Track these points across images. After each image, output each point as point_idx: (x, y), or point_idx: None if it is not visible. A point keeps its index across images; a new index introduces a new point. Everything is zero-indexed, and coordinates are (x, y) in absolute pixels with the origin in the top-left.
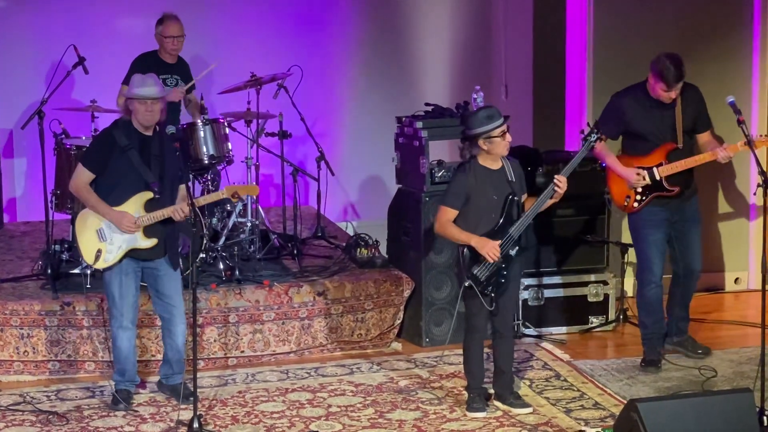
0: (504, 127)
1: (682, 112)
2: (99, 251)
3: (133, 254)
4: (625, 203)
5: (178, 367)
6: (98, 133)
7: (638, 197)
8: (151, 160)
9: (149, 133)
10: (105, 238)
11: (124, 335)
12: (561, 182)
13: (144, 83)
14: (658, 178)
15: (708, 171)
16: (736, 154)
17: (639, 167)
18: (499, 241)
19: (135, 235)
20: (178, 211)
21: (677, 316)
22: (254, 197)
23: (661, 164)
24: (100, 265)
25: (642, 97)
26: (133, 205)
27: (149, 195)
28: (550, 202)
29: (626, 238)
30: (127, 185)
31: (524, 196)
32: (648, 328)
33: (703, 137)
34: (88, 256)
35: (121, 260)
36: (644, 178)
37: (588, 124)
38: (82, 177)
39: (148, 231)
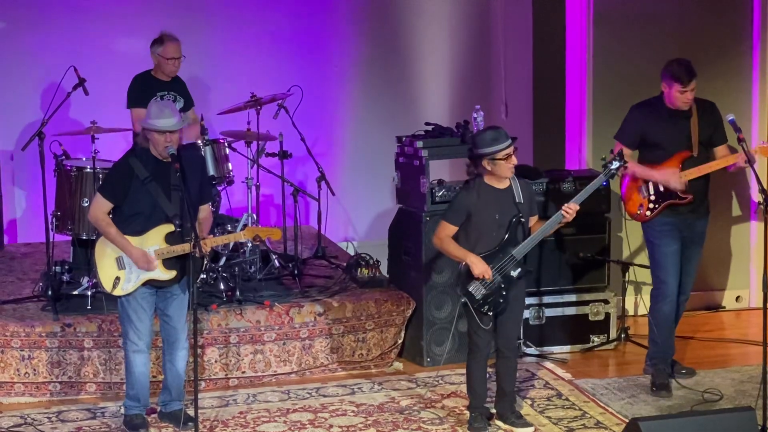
0: (509, 150)
1: (698, 123)
2: (117, 279)
3: (151, 283)
4: (638, 212)
5: (177, 394)
6: (116, 162)
7: (651, 206)
8: (171, 191)
9: (168, 159)
10: (124, 266)
11: (140, 359)
12: (570, 210)
13: (162, 114)
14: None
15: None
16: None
17: None
18: (489, 266)
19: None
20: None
21: None
22: (254, 218)
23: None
24: (118, 292)
25: (659, 107)
26: (154, 238)
27: (170, 228)
28: (556, 226)
29: (627, 257)
30: (148, 217)
31: (534, 219)
32: (658, 347)
33: (721, 150)
34: (106, 282)
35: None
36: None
37: (611, 151)
38: (100, 206)
39: (168, 263)
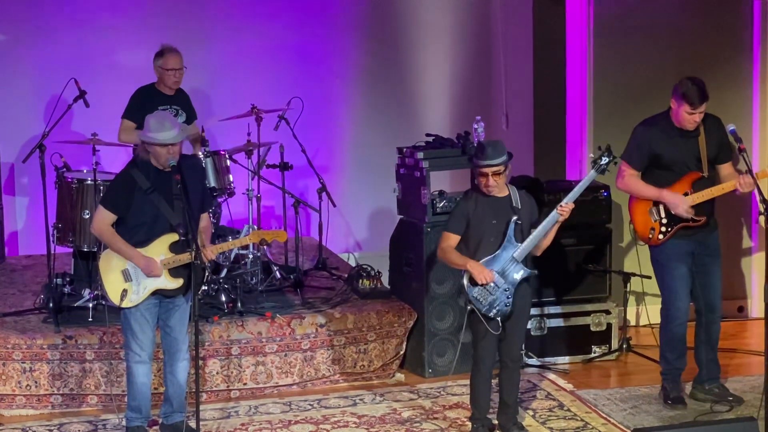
0: (487, 170)
1: (706, 141)
2: (125, 291)
3: (157, 293)
4: (650, 236)
5: (178, 405)
6: (118, 173)
7: (663, 229)
8: (173, 201)
9: (169, 169)
10: (131, 278)
11: (142, 370)
12: (565, 209)
13: (162, 127)
14: None
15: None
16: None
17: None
18: (493, 270)
19: (161, 276)
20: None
21: (706, 359)
22: (255, 229)
23: (686, 194)
24: (126, 304)
25: (666, 127)
26: (159, 247)
27: (174, 237)
28: (555, 227)
29: (628, 267)
30: (152, 227)
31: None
32: (670, 364)
33: (725, 168)
34: (113, 296)
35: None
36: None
37: (599, 148)
38: (103, 218)
39: (174, 272)
